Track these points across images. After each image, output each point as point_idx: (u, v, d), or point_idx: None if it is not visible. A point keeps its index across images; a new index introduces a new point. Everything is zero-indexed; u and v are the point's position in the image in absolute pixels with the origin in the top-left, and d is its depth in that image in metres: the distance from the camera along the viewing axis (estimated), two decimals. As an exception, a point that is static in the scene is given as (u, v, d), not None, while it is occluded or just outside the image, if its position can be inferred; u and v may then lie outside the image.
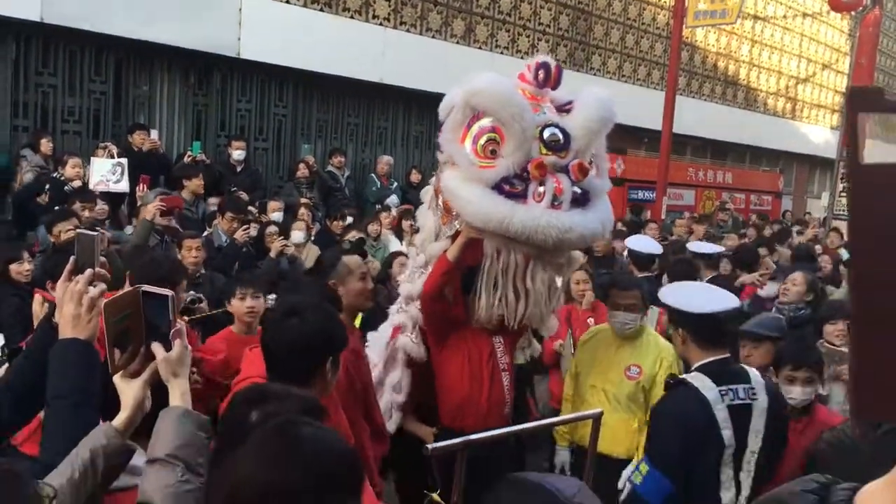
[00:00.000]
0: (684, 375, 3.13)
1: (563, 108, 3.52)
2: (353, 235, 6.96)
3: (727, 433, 2.89)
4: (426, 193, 3.94)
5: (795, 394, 3.28)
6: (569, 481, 1.01)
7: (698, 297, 3.16)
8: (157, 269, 3.21)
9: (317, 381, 2.31)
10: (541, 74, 3.50)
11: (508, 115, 3.22)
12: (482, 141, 3.32)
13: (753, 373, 3.09)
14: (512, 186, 3.25)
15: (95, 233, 2.12)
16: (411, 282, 3.90)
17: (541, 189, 3.23)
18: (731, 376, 3.01)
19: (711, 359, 3.03)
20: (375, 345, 3.86)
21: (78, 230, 2.70)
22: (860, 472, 0.95)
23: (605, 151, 3.67)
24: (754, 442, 2.95)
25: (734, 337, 3.65)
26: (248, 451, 1.44)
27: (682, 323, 3.11)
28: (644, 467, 2.95)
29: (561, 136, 3.33)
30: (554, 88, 3.59)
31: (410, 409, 3.87)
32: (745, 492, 2.94)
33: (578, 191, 3.34)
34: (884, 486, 0.74)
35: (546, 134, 3.31)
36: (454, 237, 3.57)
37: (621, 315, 4.06)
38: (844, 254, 7.58)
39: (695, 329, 3.06)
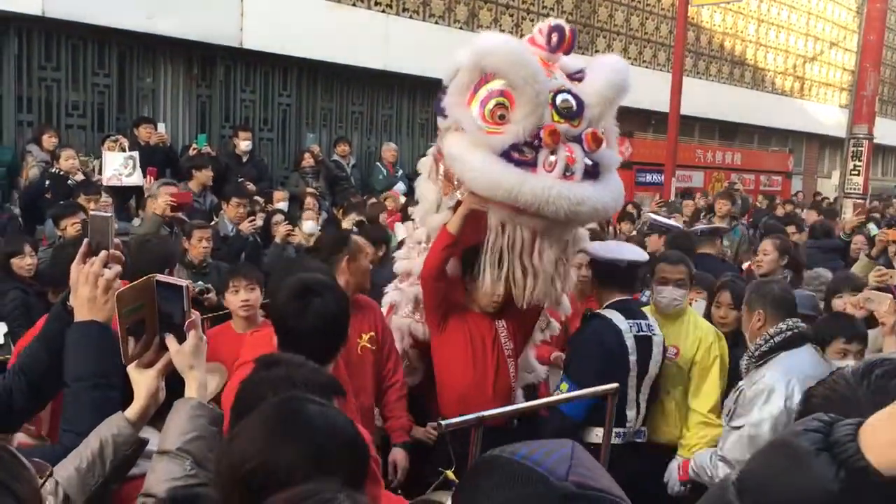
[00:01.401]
0: (598, 310, 3.66)
1: (575, 77, 3.27)
2: (353, 219, 6.91)
3: (633, 358, 3.51)
4: (424, 164, 3.72)
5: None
6: (559, 452, 0.90)
7: (613, 249, 3.82)
8: (146, 255, 3.16)
9: (332, 360, 2.29)
10: (554, 38, 3.24)
11: (520, 77, 2.99)
12: (490, 105, 3.09)
13: (649, 313, 3.72)
14: (521, 154, 3.01)
15: (109, 213, 2.09)
16: (409, 258, 3.70)
17: (552, 158, 3.01)
18: (636, 313, 3.64)
19: (619, 298, 3.66)
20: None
21: (91, 212, 2.67)
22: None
23: (616, 124, 3.46)
24: (654, 369, 3.60)
25: (639, 282, 4.30)
26: (249, 423, 1.42)
27: (597, 267, 3.76)
28: (564, 386, 3.45)
29: (574, 102, 3.10)
30: (567, 53, 3.33)
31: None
32: (643, 412, 3.61)
33: (590, 162, 3.11)
34: (888, 416, 0.74)
35: (559, 100, 3.07)
36: (455, 208, 3.35)
37: (669, 290, 3.84)
38: (873, 229, 7.46)
39: (606, 272, 3.70)
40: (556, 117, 3.06)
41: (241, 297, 3.87)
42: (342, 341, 2.35)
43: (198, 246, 5.27)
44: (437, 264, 3.36)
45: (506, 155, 3.01)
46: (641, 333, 3.58)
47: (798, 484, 0.77)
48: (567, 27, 3.26)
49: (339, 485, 1.19)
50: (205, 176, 7.60)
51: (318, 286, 2.42)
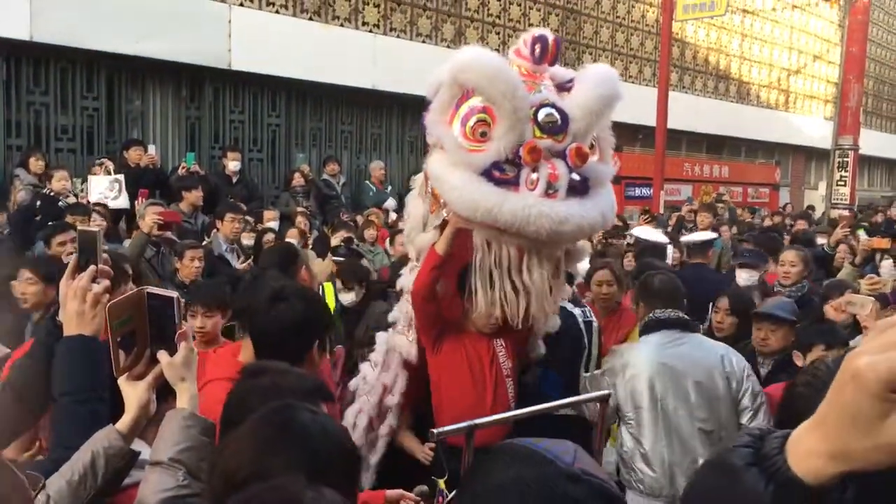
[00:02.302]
0: None
1: (565, 87, 3.14)
2: (342, 236, 6.92)
3: (585, 340, 3.90)
4: (416, 180, 3.63)
5: None
6: (563, 445, 0.96)
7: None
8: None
9: (305, 364, 2.30)
10: (537, 49, 3.12)
11: (498, 92, 2.88)
12: (471, 122, 2.99)
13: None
14: (503, 172, 2.91)
15: (96, 228, 2.10)
16: (403, 274, 3.65)
17: (534, 175, 2.90)
18: (579, 302, 4.08)
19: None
20: (378, 345, 3.69)
21: (79, 226, 2.68)
22: None
23: (611, 134, 3.33)
24: (594, 350, 3.96)
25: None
26: (242, 433, 1.42)
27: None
28: (537, 369, 3.73)
29: (558, 116, 2.97)
30: (552, 64, 3.21)
31: (406, 421, 3.63)
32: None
33: (577, 178, 2.99)
34: (810, 427, 0.75)
35: (541, 115, 2.95)
36: (442, 227, 3.27)
37: None
38: (863, 235, 7.52)
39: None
40: (537, 133, 2.96)
41: (197, 323, 3.78)
42: (310, 344, 2.39)
43: (189, 266, 5.27)
44: (427, 285, 3.28)
45: (487, 174, 2.92)
46: (586, 319, 3.98)
47: (732, 499, 0.78)
48: (550, 37, 3.14)
49: (304, 481, 1.20)
50: (194, 196, 7.59)
51: (285, 291, 2.49)
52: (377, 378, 3.58)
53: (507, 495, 0.89)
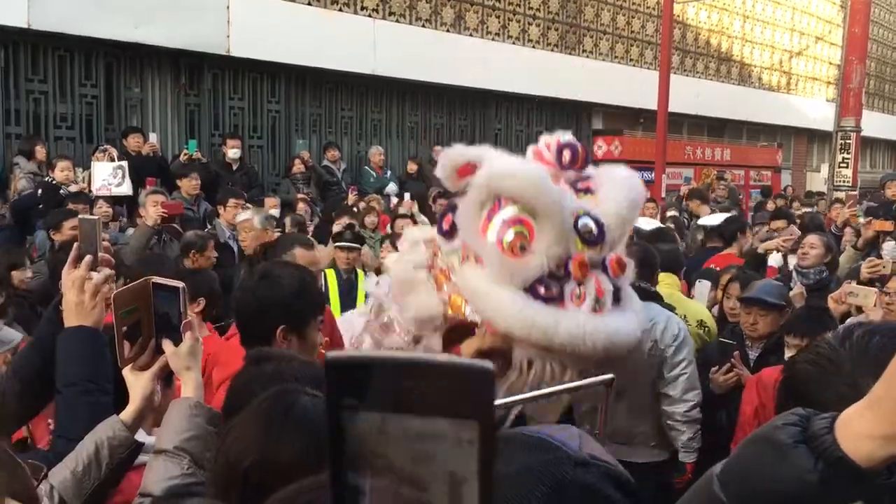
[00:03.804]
0: None
1: (580, 187, 3.14)
2: (345, 221, 6.90)
3: None
4: (413, 245, 3.57)
5: None
6: (567, 430, 0.95)
7: None
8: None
9: (290, 345, 2.31)
10: (566, 155, 3.08)
11: (545, 205, 2.83)
12: (509, 237, 2.93)
13: None
14: (547, 289, 2.88)
15: (96, 217, 2.09)
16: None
17: (579, 290, 2.85)
18: None
19: None
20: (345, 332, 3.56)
21: (79, 216, 2.66)
22: (843, 383, 0.99)
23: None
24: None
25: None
26: (244, 418, 1.41)
27: None
28: None
29: (594, 227, 2.96)
30: (581, 170, 3.22)
31: None
32: None
33: (611, 287, 3.03)
34: (863, 407, 0.77)
35: (580, 225, 2.93)
36: (450, 333, 3.18)
37: None
38: (862, 220, 7.46)
39: None
40: (580, 245, 2.91)
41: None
42: (284, 322, 2.38)
43: (211, 257, 5.29)
44: None
45: (531, 290, 2.85)
46: None
47: (778, 475, 0.80)
48: (579, 144, 3.15)
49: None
50: (189, 184, 7.55)
51: (274, 270, 2.50)
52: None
53: (514, 485, 0.88)
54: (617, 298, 2.93)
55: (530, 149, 3.20)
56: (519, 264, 2.83)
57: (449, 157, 3.03)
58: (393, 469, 0.51)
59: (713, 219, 7.16)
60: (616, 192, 3.06)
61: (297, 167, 9.64)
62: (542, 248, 2.87)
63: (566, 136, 3.15)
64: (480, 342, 2.99)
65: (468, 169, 3.08)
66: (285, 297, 2.44)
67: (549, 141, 3.17)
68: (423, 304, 3.20)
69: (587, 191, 3.05)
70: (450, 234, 3.04)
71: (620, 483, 0.90)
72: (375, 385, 0.51)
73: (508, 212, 2.85)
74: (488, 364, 0.53)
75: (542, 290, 2.83)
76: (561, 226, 2.81)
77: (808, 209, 11.80)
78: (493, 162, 2.92)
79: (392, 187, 10.19)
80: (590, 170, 3.19)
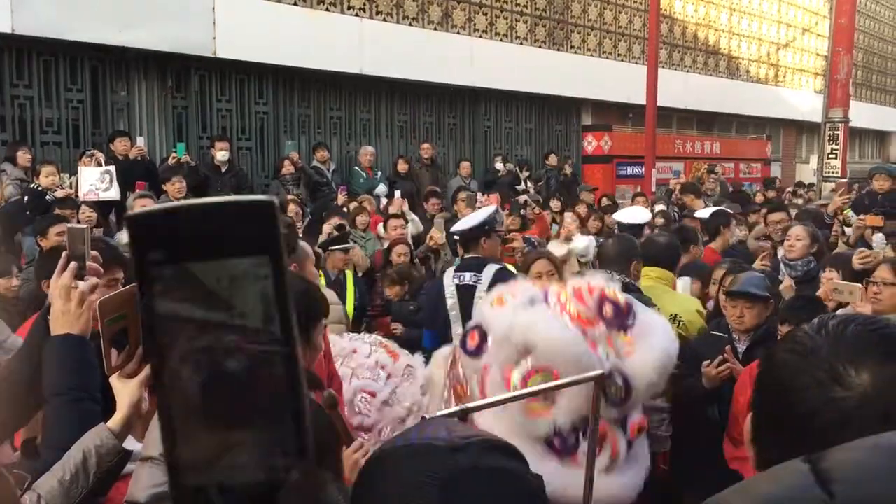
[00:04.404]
0: None
1: (620, 326, 2.99)
2: (335, 222, 6.88)
3: (451, 301, 4.58)
4: (434, 382, 3.24)
5: None
6: (431, 424, 0.94)
7: (467, 219, 5.12)
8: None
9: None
10: (607, 310, 2.97)
11: (575, 369, 2.70)
12: (534, 383, 2.81)
13: (490, 269, 4.57)
14: (563, 441, 2.77)
15: (85, 225, 2.07)
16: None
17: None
18: (469, 268, 4.65)
19: (466, 256, 4.78)
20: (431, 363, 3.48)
21: (68, 225, 2.64)
22: (820, 368, 0.98)
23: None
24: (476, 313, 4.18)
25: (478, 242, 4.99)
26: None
27: (456, 234, 5.03)
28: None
29: (622, 387, 2.83)
30: (621, 327, 3.01)
31: None
32: None
33: (626, 448, 2.86)
34: None
35: (609, 384, 2.81)
36: None
37: None
38: (851, 214, 7.47)
39: (460, 237, 4.89)
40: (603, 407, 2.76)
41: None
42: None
43: None
44: None
45: (548, 442, 2.78)
46: (463, 283, 4.57)
47: None
48: (623, 301, 2.96)
49: (330, 476, 1.18)
50: (173, 188, 7.47)
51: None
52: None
53: (405, 498, 0.87)
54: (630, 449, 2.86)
55: (569, 287, 3.07)
56: (536, 418, 2.75)
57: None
58: (204, 313, 0.53)
59: (707, 213, 7.16)
60: (653, 356, 2.86)
61: (287, 168, 9.61)
62: (564, 403, 2.71)
63: (609, 288, 3.02)
64: None
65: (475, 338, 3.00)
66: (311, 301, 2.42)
67: (593, 286, 3.01)
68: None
69: (624, 330, 2.94)
70: (475, 353, 2.95)
71: (500, 449, 0.90)
72: (175, 236, 0.53)
73: (532, 360, 2.76)
74: (272, 198, 0.55)
75: (557, 442, 2.80)
76: (586, 391, 2.70)
77: (799, 200, 11.86)
78: (527, 320, 2.78)
79: (382, 188, 10.17)
80: (631, 314, 3.06)
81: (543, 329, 2.77)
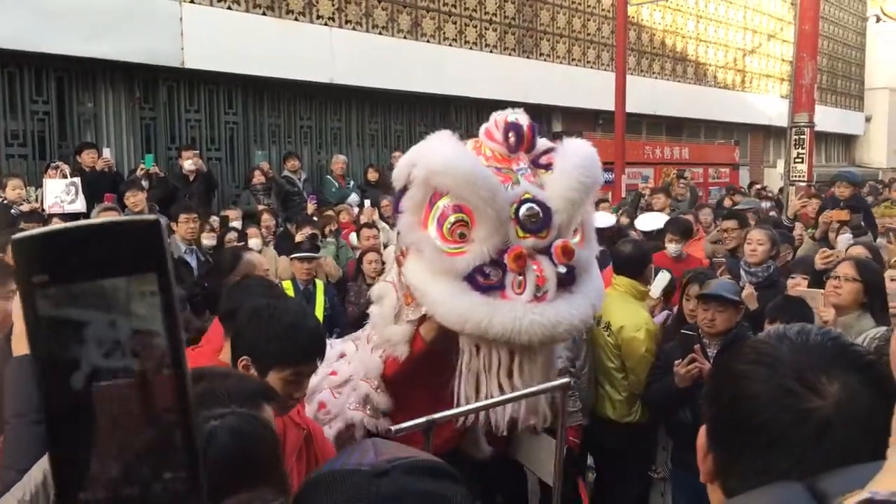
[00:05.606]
0: None
1: (540, 163, 2.97)
2: (307, 232, 6.85)
3: None
4: (389, 258, 3.35)
5: None
6: (359, 448, 0.95)
7: None
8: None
9: None
10: (511, 138, 2.95)
11: (478, 198, 2.71)
12: (449, 223, 2.81)
13: None
14: (486, 277, 2.75)
15: None
16: (362, 347, 3.32)
17: (520, 278, 2.74)
18: None
19: None
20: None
21: None
22: (788, 377, 0.98)
23: (593, 209, 3.16)
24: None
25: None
26: None
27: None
28: None
29: (539, 211, 2.79)
30: (528, 151, 3.00)
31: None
32: None
33: (563, 270, 2.82)
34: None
35: (522, 211, 2.77)
36: (420, 321, 3.03)
37: None
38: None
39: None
40: (520, 233, 2.79)
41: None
42: None
43: None
44: (404, 373, 3.08)
45: (470, 279, 2.76)
46: None
47: None
48: (525, 123, 2.95)
49: (274, 491, 1.17)
50: (130, 200, 7.04)
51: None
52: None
53: None
54: (568, 281, 2.80)
55: (482, 128, 3.14)
56: (454, 257, 2.79)
57: (398, 167, 2.99)
58: (88, 332, 0.54)
59: (648, 224, 7.28)
60: (566, 174, 2.89)
61: (258, 178, 9.55)
62: (480, 236, 2.75)
63: (513, 116, 3.05)
64: (431, 326, 2.96)
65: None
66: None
67: (498, 119, 3.09)
68: (393, 330, 3.11)
69: (548, 166, 2.96)
70: (397, 228, 3.00)
71: (427, 470, 0.89)
72: (59, 257, 0.54)
73: (448, 199, 2.81)
74: (156, 217, 0.58)
75: (480, 279, 2.73)
76: (496, 217, 2.70)
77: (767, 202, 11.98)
78: (427, 154, 2.85)
79: (354, 198, 10.15)
80: (551, 144, 3.10)
81: (440, 153, 2.80)
